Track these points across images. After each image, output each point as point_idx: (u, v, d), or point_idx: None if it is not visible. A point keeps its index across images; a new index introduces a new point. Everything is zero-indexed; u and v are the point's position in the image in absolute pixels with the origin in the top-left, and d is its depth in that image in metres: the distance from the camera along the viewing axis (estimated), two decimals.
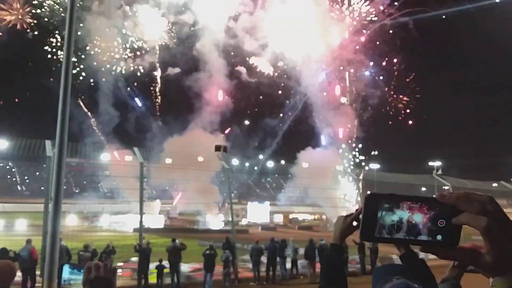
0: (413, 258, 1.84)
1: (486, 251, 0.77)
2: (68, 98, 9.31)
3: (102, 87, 49.81)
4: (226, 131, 51.78)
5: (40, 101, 47.51)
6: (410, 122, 62.05)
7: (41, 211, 16.11)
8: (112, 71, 50.71)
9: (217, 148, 36.79)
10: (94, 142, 35.92)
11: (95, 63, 47.92)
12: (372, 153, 55.09)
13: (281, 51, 52.96)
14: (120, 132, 46.84)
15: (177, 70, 53.80)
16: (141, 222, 18.66)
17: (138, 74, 53.32)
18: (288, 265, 19.12)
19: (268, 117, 56.91)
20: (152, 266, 16.50)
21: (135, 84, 54.28)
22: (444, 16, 54.68)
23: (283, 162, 42.53)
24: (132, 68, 52.30)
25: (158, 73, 55.63)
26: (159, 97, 56.68)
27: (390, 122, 60.97)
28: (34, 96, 51.84)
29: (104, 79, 49.50)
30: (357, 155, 55.78)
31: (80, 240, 19.61)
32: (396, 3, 55.04)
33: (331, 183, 41.19)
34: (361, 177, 37.06)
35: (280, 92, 56.43)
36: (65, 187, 9.83)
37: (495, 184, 33.69)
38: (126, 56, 51.70)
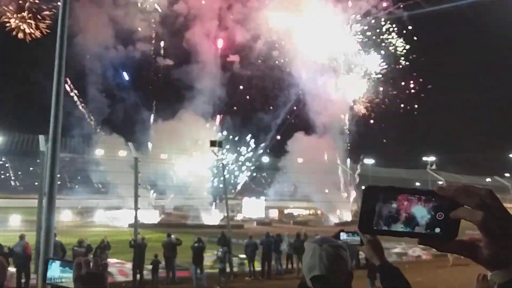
0: (389, 267, 1.97)
1: (484, 245, 0.76)
2: (61, 92, 9.24)
3: (92, 76, 49.27)
4: (219, 119, 51.43)
5: (33, 95, 47.06)
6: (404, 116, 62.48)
7: (35, 206, 16.02)
8: (102, 59, 50.18)
9: (212, 143, 36.64)
10: (87, 135, 35.68)
11: (84, 51, 47.05)
12: (366, 148, 55.27)
13: (274, 41, 52.98)
14: (112, 123, 46.40)
15: (168, 61, 53.58)
16: (136, 217, 18.64)
17: (130, 62, 52.77)
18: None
19: (261, 111, 56.88)
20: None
21: (126, 72, 53.77)
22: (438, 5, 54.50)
23: (278, 157, 42.58)
24: (123, 57, 51.75)
25: (150, 62, 55.19)
26: (151, 86, 56.15)
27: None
28: (27, 90, 51.34)
29: (94, 67, 48.91)
30: (351, 150, 55.96)
31: (74, 236, 19.54)
32: None
33: (326, 178, 41.34)
34: (357, 172, 37.19)
35: (273, 84, 56.41)
36: (59, 182, 9.78)
37: (488, 179, 33.97)
38: (117, 45, 51.10)
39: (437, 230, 0.78)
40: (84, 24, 45.71)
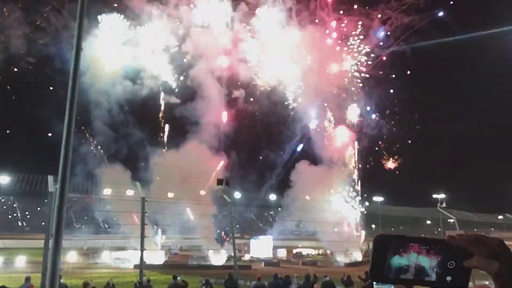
0: None
1: None
2: (71, 133, 9.35)
3: (98, 113, 49.54)
4: (224, 157, 51.38)
5: (43, 135, 47.67)
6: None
7: (41, 247, 15.89)
8: (109, 95, 50.90)
9: (219, 181, 36.61)
10: (93, 174, 35.67)
11: (91, 87, 47.46)
12: (375, 184, 54.71)
13: (276, 79, 54.02)
14: (118, 160, 46.28)
15: (174, 99, 54.39)
16: (141, 258, 18.37)
17: (136, 100, 53.38)
18: None
19: (267, 148, 56.98)
20: None
21: (132, 109, 54.41)
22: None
23: (284, 195, 42.34)
24: (130, 94, 52.47)
25: (157, 100, 55.84)
26: (161, 123, 56.50)
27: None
28: (37, 130, 52.05)
29: (100, 104, 49.32)
30: (360, 187, 55.43)
31: (80, 278, 19.23)
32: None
33: (334, 216, 40.76)
34: (366, 210, 36.71)
35: (278, 120, 56.87)
36: (65, 223, 9.72)
37: (500, 217, 33.31)
38: (124, 82, 51.85)
39: (448, 278, 0.79)
40: (93, 61, 46.45)
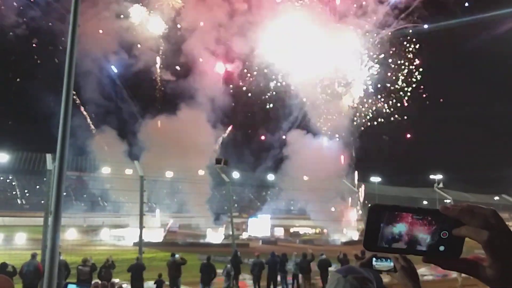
0: None
1: (488, 265, 0.77)
2: (69, 111, 9.31)
3: (91, 85, 48.84)
4: (227, 131, 51.14)
5: (42, 113, 47.42)
6: (409, 135, 62.56)
7: (41, 224, 16.03)
8: (103, 70, 50.30)
9: (218, 161, 36.65)
10: (91, 151, 35.60)
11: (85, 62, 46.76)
12: (372, 165, 54.79)
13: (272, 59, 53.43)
14: (115, 133, 46.01)
15: (169, 75, 53.87)
16: (140, 236, 18.59)
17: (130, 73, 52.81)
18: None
19: (263, 127, 56.85)
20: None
21: (127, 83, 53.94)
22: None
23: (282, 173, 42.46)
24: (124, 67, 51.92)
25: (152, 75, 55.21)
26: (156, 97, 55.99)
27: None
28: (36, 108, 51.74)
29: (94, 79, 48.66)
30: (357, 167, 55.54)
31: (79, 254, 19.44)
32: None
33: (332, 196, 41.03)
34: (363, 190, 36.90)
35: (273, 97, 56.58)
36: (64, 201, 9.79)
37: (496, 198, 33.69)
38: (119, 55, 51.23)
39: (442, 248, 0.80)
40: (87, 33, 45.58)
